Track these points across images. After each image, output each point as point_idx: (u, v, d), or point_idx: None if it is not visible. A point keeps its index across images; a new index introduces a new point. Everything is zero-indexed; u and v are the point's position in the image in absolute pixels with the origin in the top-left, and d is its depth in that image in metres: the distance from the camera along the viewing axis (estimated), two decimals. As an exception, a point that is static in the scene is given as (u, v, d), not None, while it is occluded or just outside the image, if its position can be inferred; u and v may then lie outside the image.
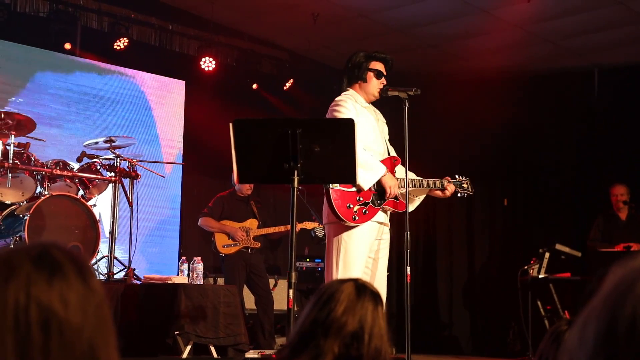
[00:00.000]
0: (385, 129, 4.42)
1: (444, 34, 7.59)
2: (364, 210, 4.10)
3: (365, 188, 4.08)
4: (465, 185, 4.53)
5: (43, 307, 0.97)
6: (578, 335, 0.87)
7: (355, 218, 4.07)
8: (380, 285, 4.23)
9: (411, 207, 4.46)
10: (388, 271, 4.35)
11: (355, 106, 4.18)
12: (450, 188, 4.39)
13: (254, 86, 8.33)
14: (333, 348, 1.66)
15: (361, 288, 1.77)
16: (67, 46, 7.16)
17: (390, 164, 4.25)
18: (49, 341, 0.96)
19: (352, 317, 1.70)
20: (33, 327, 0.96)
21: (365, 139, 4.09)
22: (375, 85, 4.25)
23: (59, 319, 0.97)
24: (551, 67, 8.21)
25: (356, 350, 1.68)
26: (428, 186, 4.36)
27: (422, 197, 4.48)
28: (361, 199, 4.10)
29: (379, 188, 4.16)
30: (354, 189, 4.09)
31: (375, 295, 1.80)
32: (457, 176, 4.54)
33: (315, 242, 6.63)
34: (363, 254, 4.11)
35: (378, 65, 4.28)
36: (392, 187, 4.14)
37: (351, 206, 4.08)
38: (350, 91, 4.28)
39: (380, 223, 4.20)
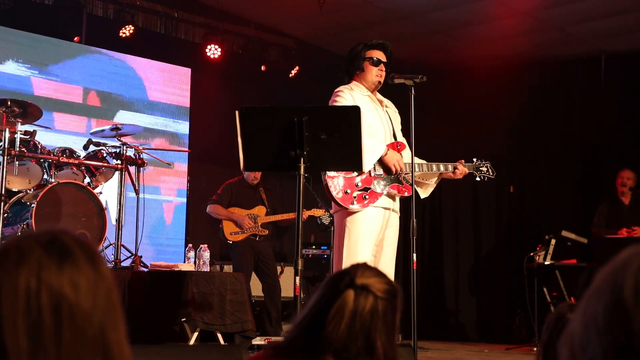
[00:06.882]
0: (396, 118, 4.39)
1: (451, 20, 7.56)
2: (364, 196, 4.08)
3: (365, 170, 4.05)
4: (484, 169, 4.44)
5: (54, 292, 0.98)
6: (581, 320, 0.89)
7: (354, 203, 4.06)
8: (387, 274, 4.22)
9: (425, 193, 4.43)
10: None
11: (352, 95, 4.17)
12: (461, 169, 4.31)
13: (263, 68, 8.28)
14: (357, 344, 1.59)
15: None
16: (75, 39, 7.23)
17: (394, 149, 4.23)
18: (60, 325, 0.97)
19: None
20: (44, 312, 0.97)
21: (364, 126, 4.06)
22: (373, 72, 4.24)
23: (69, 303, 0.99)
24: (558, 53, 8.17)
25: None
26: (439, 170, 4.29)
27: (434, 181, 4.40)
28: (360, 184, 4.09)
29: (382, 171, 4.14)
30: (353, 174, 4.08)
31: None
32: (474, 159, 4.44)
33: (321, 230, 6.63)
34: (368, 240, 4.08)
35: (376, 53, 4.26)
36: (397, 162, 4.11)
37: (349, 192, 4.06)
38: (352, 82, 4.29)
39: (387, 209, 4.18)
